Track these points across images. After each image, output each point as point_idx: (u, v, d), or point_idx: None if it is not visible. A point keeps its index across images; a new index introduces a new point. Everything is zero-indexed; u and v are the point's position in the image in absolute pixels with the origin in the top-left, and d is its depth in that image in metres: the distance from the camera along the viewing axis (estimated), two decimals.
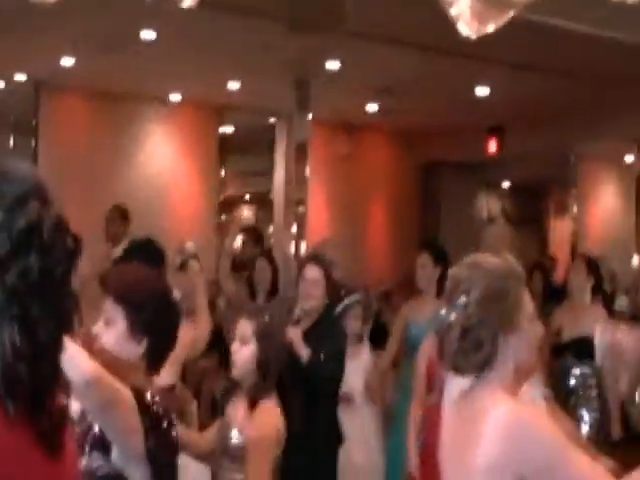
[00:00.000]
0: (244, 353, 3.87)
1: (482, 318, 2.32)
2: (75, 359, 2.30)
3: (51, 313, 1.48)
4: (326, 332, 5.23)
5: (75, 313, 1.55)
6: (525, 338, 2.37)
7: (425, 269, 6.03)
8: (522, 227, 18.62)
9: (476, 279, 2.36)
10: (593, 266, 6.50)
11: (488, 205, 18.13)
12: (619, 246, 15.13)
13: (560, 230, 17.37)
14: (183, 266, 12.88)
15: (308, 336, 5.16)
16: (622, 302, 14.17)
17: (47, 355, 1.49)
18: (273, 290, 7.07)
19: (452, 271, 2.48)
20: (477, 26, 4.10)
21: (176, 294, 9.55)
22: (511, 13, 4.22)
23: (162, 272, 5.57)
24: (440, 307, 2.50)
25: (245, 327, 3.92)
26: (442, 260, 6.04)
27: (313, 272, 5.29)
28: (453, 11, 3.91)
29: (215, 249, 13.76)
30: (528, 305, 2.40)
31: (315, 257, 5.71)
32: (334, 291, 5.64)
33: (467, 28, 4.08)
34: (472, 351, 2.33)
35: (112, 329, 2.81)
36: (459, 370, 2.38)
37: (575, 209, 14.94)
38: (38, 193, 1.52)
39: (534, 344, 2.52)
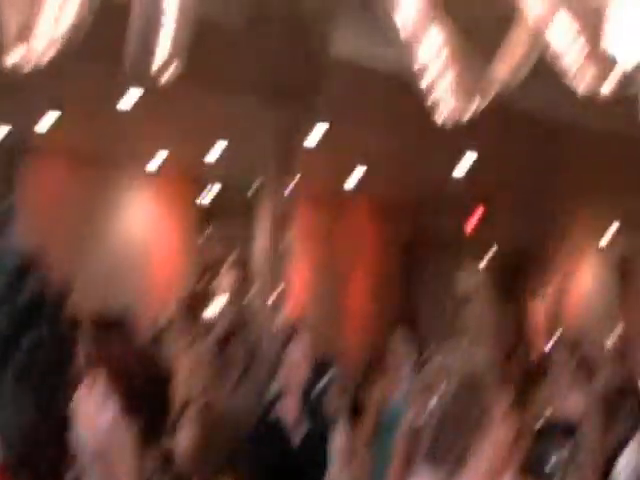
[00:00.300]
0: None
1: (461, 411, 2.22)
2: None
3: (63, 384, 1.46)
4: (312, 412, 5.23)
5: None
6: (500, 434, 2.28)
7: (398, 351, 5.96)
8: (503, 303, 18.55)
9: (456, 370, 2.28)
10: (576, 355, 6.44)
11: (469, 281, 18.07)
12: (601, 323, 15.07)
13: (540, 306, 17.31)
14: (159, 336, 12.76)
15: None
16: (603, 380, 14.07)
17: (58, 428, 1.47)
18: (246, 370, 6.93)
19: (432, 360, 2.41)
20: (457, 109, 4.06)
21: None
22: (492, 93, 4.17)
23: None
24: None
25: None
26: (415, 342, 5.99)
27: (296, 351, 5.28)
28: (433, 95, 3.85)
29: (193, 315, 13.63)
30: (503, 400, 2.31)
31: (297, 335, 5.69)
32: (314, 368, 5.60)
33: (446, 111, 4.03)
34: (449, 444, 2.25)
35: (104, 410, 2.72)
36: (434, 462, 2.28)
37: (557, 285, 14.87)
38: (35, 265, 1.48)
39: (508, 440, 2.42)
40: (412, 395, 4.74)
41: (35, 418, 1.43)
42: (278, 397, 5.26)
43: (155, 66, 3.63)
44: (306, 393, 5.38)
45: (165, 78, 3.89)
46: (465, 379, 2.30)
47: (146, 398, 2.70)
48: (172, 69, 3.65)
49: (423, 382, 4.26)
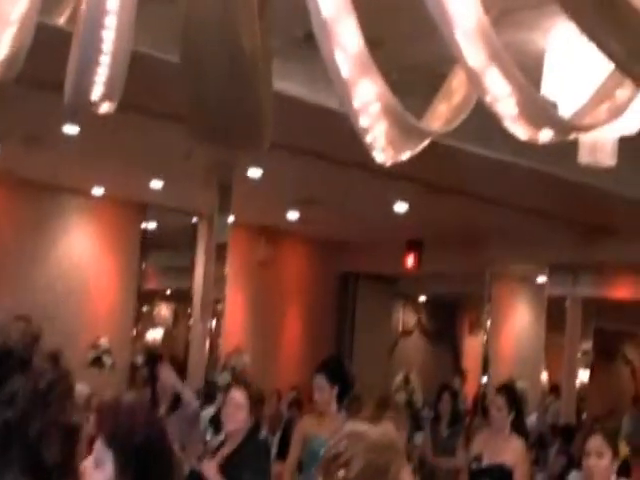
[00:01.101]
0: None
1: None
2: None
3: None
4: (250, 458, 5.18)
5: None
6: None
7: (322, 391, 5.89)
8: (436, 341, 18.62)
9: (356, 453, 2.19)
10: (513, 400, 6.44)
11: (404, 318, 18.12)
12: (530, 365, 15.16)
13: (473, 346, 17.39)
14: (96, 361, 12.53)
15: (232, 460, 5.12)
16: (532, 419, 14.16)
17: None
18: (176, 401, 6.78)
19: (332, 441, 2.30)
20: (392, 153, 4.00)
21: (84, 389, 9.19)
22: (426, 142, 4.14)
23: (159, 415, 5.45)
24: (340, 425, 2.31)
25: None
26: (338, 378, 5.92)
27: (237, 395, 5.26)
28: (368, 138, 3.80)
29: (131, 345, 13.46)
30: (407, 478, 2.25)
31: (239, 380, 5.76)
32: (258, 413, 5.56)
33: (382, 155, 3.98)
34: None
35: (100, 471, 2.52)
36: None
37: (488, 326, 14.95)
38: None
39: None
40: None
41: None
42: (222, 443, 5.28)
43: (92, 99, 3.55)
44: (253, 440, 5.36)
45: (102, 111, 3.80)
46: (370, 463, 2.21)
47: (142, 459, 2.55)
48: (109, 103, 3.57)
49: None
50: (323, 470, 2.22)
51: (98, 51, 3.31)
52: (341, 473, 2.16)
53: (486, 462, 6.25)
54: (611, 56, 3.31)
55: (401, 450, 2.29)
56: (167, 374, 6.85)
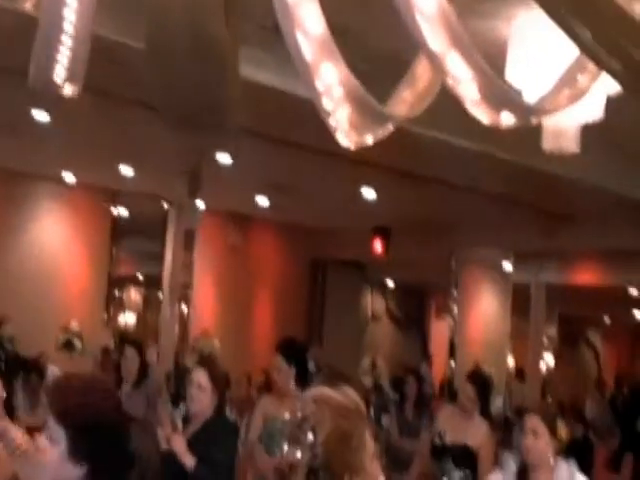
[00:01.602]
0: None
1: (328, 460, 2.12)
2: None
3: None
4: (216, 435, 5.12)
5: None
6: (369, 478, 2.19)
7: (280, 372, 5.87)
8: (404, 326, 18.70)
9: (323, 418, 2.17)
10: (483, 388, 6.47)
11: (373, 303, 18.16)
12: (495, 350, 15.24)
13: (440, 331, 17.49)
14: (67, 345, 12.46)
15: (198, 437, 5.06)
16: (498, 404, 14.25)
17: None
18: (139, 380, 6.80)
19: (298, 406, 2.26)
20: (355, 137, 3.98)
21: (54, 370, 9.12)
22: (390, 126, 4.12)
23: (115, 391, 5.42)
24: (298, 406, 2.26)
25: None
26: (294, 359, 5.90)
27: (200, 376, 5.20)
28: (332, 121, 3.78)
29: (102, 328, 13.41)
30: (369, 444, 2.22)
31: (202, 361, 5.70)
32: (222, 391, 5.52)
33: (345, 139, 3.96)
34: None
35: (55, 447, 2.51)
36: None
37: (455, 311, 15.01)
38: None
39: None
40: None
41: None
42: (186, 422, 5.20)
43: (57, 84, 3.50)
44: (219, 419, 5.31)
45: (66, 93, 3.75)
46: (337, 427, 2.19)
47: (93, 436, 2.54)
48: (72, 85, 3.52)
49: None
50: (291, 435, 2.19)
51: (60, 30, 3.26)
52: (309, 438, 2.13)
53: (449, 440, 6.26)
54: (576, 39, 3.31)
55: (364, 414, 2.28)
56: (132, 354, 6.86)
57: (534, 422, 4.34)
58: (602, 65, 3.21)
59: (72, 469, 2.51)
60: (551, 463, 4.32)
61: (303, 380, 5.76)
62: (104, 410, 2.59)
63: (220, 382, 5.33)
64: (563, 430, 4.37)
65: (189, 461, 4.93)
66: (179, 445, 4.96)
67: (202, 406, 5.17)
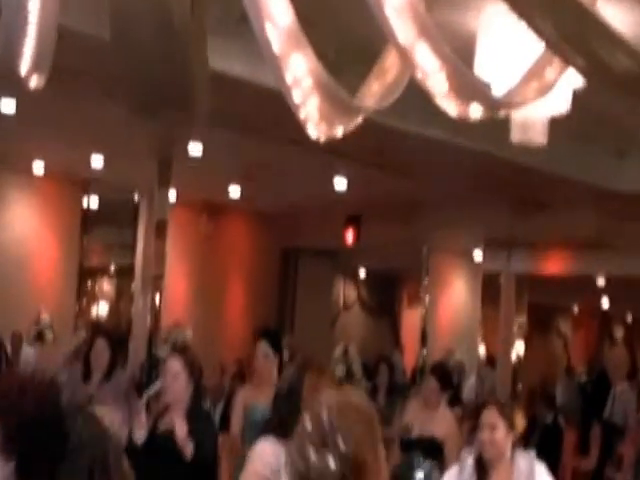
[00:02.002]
0: None
1: (360, 468, 2.06)
2: None
3: None
4: (199, 422, 5.08)
5: None
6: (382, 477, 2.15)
7: (267, 357, 5.86)
8: (376, 314, 18.73)
9: (354, 422, 2.10)
10: (446, 380, 6.48)
11: (344, 292, 18.18)
12: (466, 338, 15.33)
13: (412, 319, 17.53)
14: (39, 337, 12.37)
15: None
16: (470, 392, 14.34)
17: None
18: (110, 371, 6.66)
19: (320, 407, 2.16)
20: (325, 129, 3.97)
21: (30, 354, 9.00)
22: (359, 118, 4.11)
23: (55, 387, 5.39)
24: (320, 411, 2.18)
25: None
26: (279, 348, 5.92)
27: (174, 364, 5.16)
28: (302, 113, 3.76)
29: (74, 320, 13.32)
30: (382, 445, 2.18)
31: (177, 350, 5.66)
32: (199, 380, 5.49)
33: (315, 130, 3.94)
34: None
35: None
36: None
37: (426, 300, 15.06)
38: None
39: None
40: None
41: None
42: (165, 409, 5.15)
43: (22, 73, 3.46)
44: (196, 409, 5.27)
45: (33, 85, 3.70)
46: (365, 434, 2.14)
47: (28, 432, 2.53)
48: (38, 76, 3.48)
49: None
50: (319, 442, 2.08)
51: (24, 21, 3.21)
52: (342, 445, 2.05)
53: (416, 433, 6.27)
54: (541, 35, 3.31)
55: (378, 419, 2.24)
56: (101, 345, 6.74)
57: (491, 416, 4.25)
58: (567, 60, 3.21)
59: (2, 466, 2.51)
60: (508, 456, 4.23)
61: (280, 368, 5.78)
62: (39, 407, 2.58)
63: (195, 370, 5.30)
64: (520, 420, 4.45)
65: (188, 448, 4.89)
66: (182, 431, 4.90)
67: (178, 394, 5.11)
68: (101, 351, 6.64)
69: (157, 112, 4.12)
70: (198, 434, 4.95)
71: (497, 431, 4.22)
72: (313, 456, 2.04)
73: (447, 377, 6.61)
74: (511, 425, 4.25)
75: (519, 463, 4.22)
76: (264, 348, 5.91)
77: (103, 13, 3.52)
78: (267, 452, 3.82)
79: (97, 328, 11.22)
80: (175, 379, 5.10)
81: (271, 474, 3.75)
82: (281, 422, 3.85)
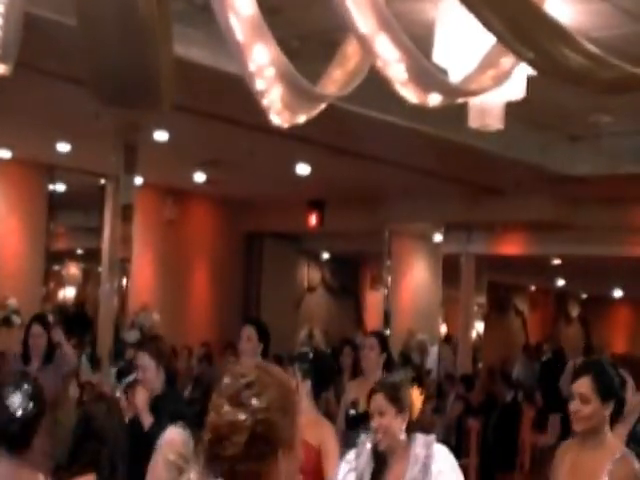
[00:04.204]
0: None
1: (270, 428, 2.11)
2: None
3: None
4: (168, 403, 5.11)
5: None
6: (297, 459, 2.20)
7: (250, 342, 5.89)
8: (340, 296, 18.79)
9: (268, 386, 2.16)
10: (384, 342, 6.51)
11: (308, 275, 18.20)
12: (428, 318, 15.44)
13: (374, 300, 17.61)
14: (5, 321, 12.28)
15: (153, 407, 5.06)
16: (432, 375, 14.45)
17: None
18: (48, 356, 6.67)
19: (240, 369, 2.23)
20: (288, 116, 3.99)
21: None
22: (322, 105, 4.14)
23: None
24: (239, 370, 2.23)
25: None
26: (266, 335, 5.96)
27: (142, 359, 5.21)
28: (265, 101, 3.78)
29: (40, 303, 13.21)
30: (300, 425, 2.23)
31: (145, 343, 5.71)
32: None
33: (278, 118, 3.96)
34: (254, 460, 2.13)
35: None
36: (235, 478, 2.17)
37: (388, 281, 15.14)
38: None
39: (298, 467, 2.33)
40: None
41: None
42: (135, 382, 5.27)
43: None
44: (169, 391, 5.30)
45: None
46: (281, 397, 2.19)
47: None
48: (3, 65, 3.46)
49: None
50: (234, 397, 2.15)
51: None
52: (254, 402, 2.11)
53: (363, 407, 6.25)
54: (491, 30, 3.36)
55: (296, 393, 2.29)
56: (38, 331, 6.70)
57: (377, 403, 3.97)
58: (516, 53, 3.27)
59: None
60: (403, 441, 3.93)
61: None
62: None
63: (162, 358, 5.34)
64: (417, 398, 4.00)
65: (147, 419, 4.94)
66: (141, 400, 4.95)
67: (149, 386, 5.17)
68: (37, 337, 6.62)
69: (123, 102, 4.11)
70: (164, 412, 4.95)
71: (385, 417, 3.92)
72: (226, 408, 2.10)
73: (385, 339, 6.63)
74: (404, 408, 3.93)
75: (415, 448, 3.91)
76: (249, 331, 5.94)
77: (70, 1, 3.51)
78: (177, 440, 3.82)
79: (65, 312, 11.16)
80: (145, 372, 5.16)
81: (182, 462, 3.76)
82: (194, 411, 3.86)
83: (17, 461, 3.35)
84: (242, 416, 2.10)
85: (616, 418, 3.84)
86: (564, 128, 9.52)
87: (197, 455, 3.65)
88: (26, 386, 3.35)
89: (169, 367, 5.38)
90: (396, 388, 3.97)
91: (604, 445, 3.69)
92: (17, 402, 3.30)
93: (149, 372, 5.17)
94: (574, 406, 3.72)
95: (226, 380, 2.18)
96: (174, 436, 3.83)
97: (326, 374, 4.66)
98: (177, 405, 5.19)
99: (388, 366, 6.27)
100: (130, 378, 5.42)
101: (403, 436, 3.89)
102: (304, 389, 4.57)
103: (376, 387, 4.04)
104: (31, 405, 3.33)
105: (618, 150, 9.57)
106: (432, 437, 3.95)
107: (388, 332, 14.65)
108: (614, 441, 3.79)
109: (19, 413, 3.30)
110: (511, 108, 5.44)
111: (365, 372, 6.48)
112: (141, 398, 4.98)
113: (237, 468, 2.12)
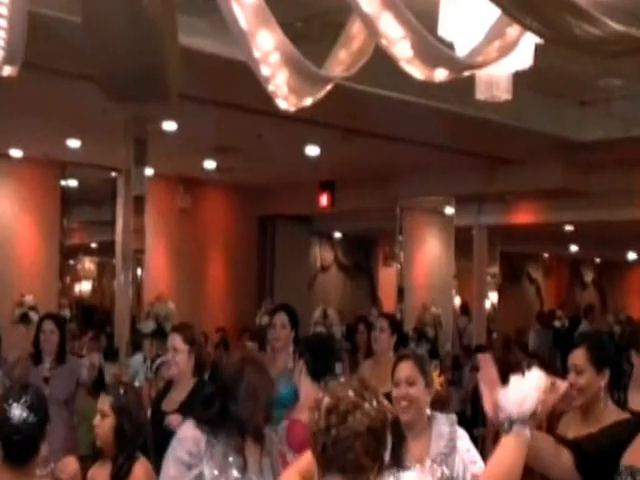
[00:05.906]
0: (104, 425, 3.97)
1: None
2: None
3: None
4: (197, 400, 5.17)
5: None
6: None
7: (284, 329, 5.89)
8: (353, 275, 18.79)
9: (362, 405, 2.31)
10: (395, 324, 6.49)
11: (321, 255, 18.21)
12: (442, 292, 15.41)
13: (388, 277, 17.60)
14: (23, 318, 12.33)
15: (187, 405, 5.06)
16: (447, 347, 14.47)
17: None
18: (60, 355, 6.48)
19: (338, 387, 2.32)
20: (295, 100, 3.96)
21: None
22: (328, 87, 4.10)
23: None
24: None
25: (103, 401, 4.02)
26: (296, 321, 5.96)
27: (175, 340, 5.28)
28: (270, 87, 3.75)
29: (57, 299, 13.26)
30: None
31: (179, 327, 5.68)
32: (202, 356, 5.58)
33: (285, 102, 3.93)
34: None
35: None
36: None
37: (401, 257, 15.10)
38: None
39: None
40: None
41: None
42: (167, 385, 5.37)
43: None
44: (203, 384, 5.32)
45: (5, 74, 3.66)
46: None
47: None
48: (10, 67, 3.44)
49: None
50: (330, 411, 2.24)
51: None
52: (350, 420, 2.24)
53: None
54: (497, 3, 3.31)
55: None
56: (50, 328, 6.56)
57: (408, 369, 3.71)
58: (520, 23, 3.22)
59: None
60: (426, 418, 3.71)
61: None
62: None
63: (195, 344, 5.35)
64: (437, 379, 3.78)
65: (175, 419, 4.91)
66: (176, 422, 4.80)
67: (180, 368, 5.24)
68: (50, 334, 6.42)
69: (132, 96, 4.09)
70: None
71: (415, 387, 3.67)
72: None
73: (396, 321, 6.60)
74: (430, 383, 3.73)
75: (439, 426, 3.69)
76: (282, 318, 5.92)
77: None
78: (188, 437, 3.84)
79: (83, 305, 11.14)
80: (176, 354, 5.24)
81: (191, 460, 3.79)
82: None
83: (22, 472, 3.43)
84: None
85: (616, 386, 3.79)
86: (574, 94, 9.43)
87: (211, 453, 3.71)
88: (25, 398, 3.42)
89: (200, 355, 5.41)
90: (425, 361, 3.86)
91: (604, 417, 3.61)
92: (17, 415, 3.38)
93: (180, 355, 5.21)
94: (570, 378, 3.64)
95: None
96: (187, 433, 3.85)
97: (320, 354, 4.53)
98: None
99: (399, 348, 6.27)
100: (161, 360, 5.49)
101: (428, 411, 3.73)
102: (300, 368, 4.52)
103: (407, 354, 3.87)
104: (32, 416, 3.41)
105: (629, 114, 9.47)
106: (454, 417, 3.82)
107: (403, 308, 14.65)
108: (614, 410, 3.71)
109: (20, 426, 3.38)
110: (519, 77, 5.38)
111: (376, 354, 6.48)
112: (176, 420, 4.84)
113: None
